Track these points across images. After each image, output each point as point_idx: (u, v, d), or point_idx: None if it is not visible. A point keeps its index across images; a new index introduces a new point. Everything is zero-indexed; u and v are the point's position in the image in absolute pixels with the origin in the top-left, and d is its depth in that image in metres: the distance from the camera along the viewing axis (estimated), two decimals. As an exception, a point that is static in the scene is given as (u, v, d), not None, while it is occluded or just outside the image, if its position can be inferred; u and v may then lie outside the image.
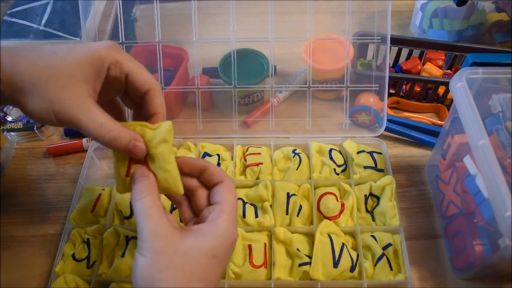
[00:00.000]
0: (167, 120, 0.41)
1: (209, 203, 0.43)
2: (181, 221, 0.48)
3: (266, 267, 0.53)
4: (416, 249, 0.56)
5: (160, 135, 0.40)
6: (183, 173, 0.43)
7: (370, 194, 0.59)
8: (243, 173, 0.62)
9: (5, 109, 0.69)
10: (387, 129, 0.66)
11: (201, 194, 0.44)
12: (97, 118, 0.38)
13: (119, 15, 0.64)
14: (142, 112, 0.44)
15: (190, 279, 0.37)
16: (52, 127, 0.71)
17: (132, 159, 0.41)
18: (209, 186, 0.44)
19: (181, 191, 0.42)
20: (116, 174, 0.43)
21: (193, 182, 0.44)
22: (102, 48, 0.40)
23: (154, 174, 0.41)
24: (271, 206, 0.57)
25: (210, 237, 0.39)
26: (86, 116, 0.38)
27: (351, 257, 0.52)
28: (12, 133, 0.69)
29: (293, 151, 0.63)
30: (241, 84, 0.67)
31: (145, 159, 0.41)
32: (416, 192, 0.62)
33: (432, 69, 0.73)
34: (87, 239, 0.55)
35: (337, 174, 0.61)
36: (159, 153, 0.40)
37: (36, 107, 0.38)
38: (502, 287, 0.53)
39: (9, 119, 0.68)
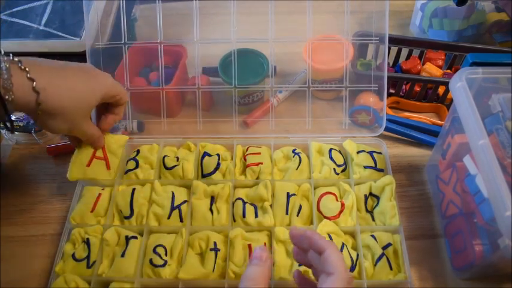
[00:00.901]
0: (126, 136, 0.64)
1: None
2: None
3: (266, 267, 0.53)
4: (416, 249, 0.56)
5: (122, 141, 0.63)
6: (303, 247, 0.43)
7: (370, 193, 0.59)
8: (243, 172, 0.62)
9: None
10: (387, 129, 0.66)
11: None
12: (93, 129, 0.57)
13: (122, 16, 0.64)
14: (108, 108, 0.59)
15: None
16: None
17: (95, 152, 0.60)
18: (323, 271, 0.40)
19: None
20: (74, 162, 0.58)
21: (318, 267, 0.41)
22: (109, 89, 0.55)
23: (107, 160, 0.61)
24: (271, 205, 0.57)
25: None
26: (88, 128, 0.56)
27: (351, 257, 0.52)
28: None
29: (293, 151, 0.63)
30: (241, 84, 0.67)
31: (104, 151, 0.61)
32: (416, 192, 0.62)
33: (432, 69, 0.73)
34: (87, 239, 0.55)
35: (337, 174, 0.61)
36: (116, 151, 0.62)
37: (58, 128, 0.52)
38: (502, 287, 0.53)
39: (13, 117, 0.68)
